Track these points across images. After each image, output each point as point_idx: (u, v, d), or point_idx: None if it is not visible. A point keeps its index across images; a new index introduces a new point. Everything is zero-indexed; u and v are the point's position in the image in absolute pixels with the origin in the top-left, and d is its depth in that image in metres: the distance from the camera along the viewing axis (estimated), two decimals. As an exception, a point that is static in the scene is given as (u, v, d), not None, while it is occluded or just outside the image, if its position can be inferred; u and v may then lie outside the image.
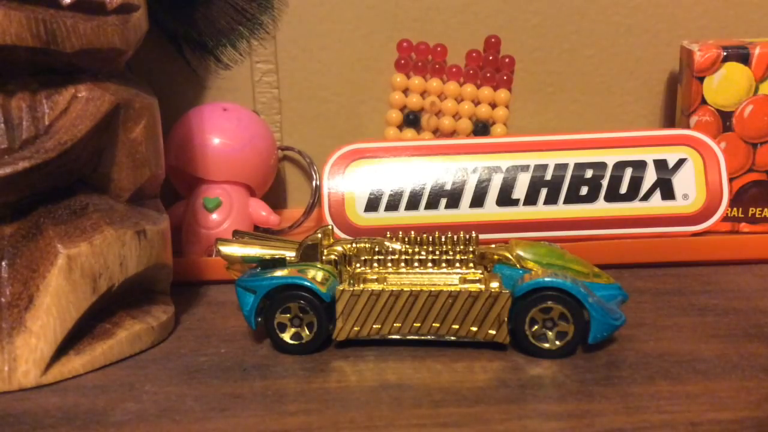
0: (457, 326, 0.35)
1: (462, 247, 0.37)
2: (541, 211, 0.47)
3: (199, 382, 0.34)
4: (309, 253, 0.38)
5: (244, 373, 0.34)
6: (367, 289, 0.36)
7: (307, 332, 0.36)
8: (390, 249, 0.38)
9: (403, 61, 0.55)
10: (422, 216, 0.48)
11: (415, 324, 0.36)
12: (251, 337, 0.38)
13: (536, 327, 0.35)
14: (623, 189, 0.47)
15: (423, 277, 0.36)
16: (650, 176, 0.47)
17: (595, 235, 0.47)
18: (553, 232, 0.47)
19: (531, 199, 0.47)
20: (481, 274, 0.36)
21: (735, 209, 0.51)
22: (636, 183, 0.47)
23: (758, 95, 0.49)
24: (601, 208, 0.47)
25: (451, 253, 0.37)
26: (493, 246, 0.39)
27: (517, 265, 0.38)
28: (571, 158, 0.48)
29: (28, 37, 0.32)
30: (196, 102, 0.57)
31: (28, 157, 0.32)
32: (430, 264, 0.36)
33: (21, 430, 0.30)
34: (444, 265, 0.36)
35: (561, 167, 0.48)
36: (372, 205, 0.48)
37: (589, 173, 0.48)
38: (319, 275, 0.36)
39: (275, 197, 0.59)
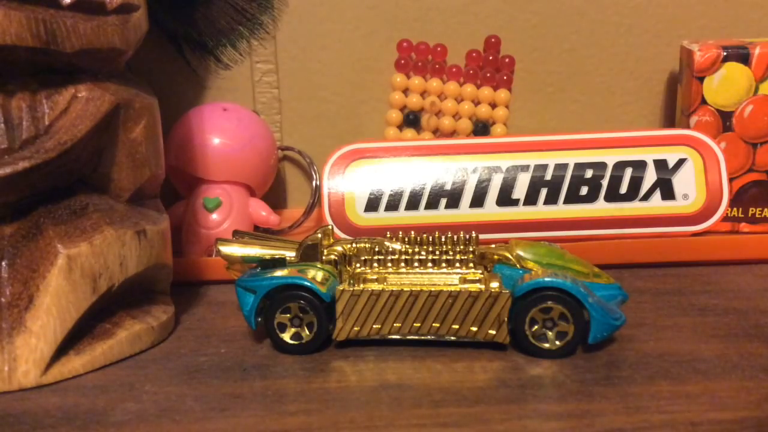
0: (457, 326, 0.35)
1: (462, 247, 0.37)
2: (541, 211, 0.47)
3: (199, 382, 0.34)
4: (309, 253, 0.38)
5: (244, 373, 0.34)
6: (367, 289, 0.36)
7: (307, 332, 0.36)
8: (390, 249, 0.38)
9: (403, 61, 0.55)
10: (422, 216, 0.48)
11: (415, 324, 0.36)
12: (251, 337, 0.38)
13: (536, 327, 0.35)
14: (623, 189, 0.47)
15: (423, 277, 0.36)
16: (650, 176, 0.47)
17: (595, 235, 0.47)
18: (553, 232, 0.47)
19: (531, 199, 0.47)
20: (481, 274, 0.36)
21: (735, 209, 0.51)
22: (636, 183, 0.47)
23: (758, 95, 0.49)
24: (601, 208, 0.47)
25: (451, 253, 0.37)
26: (493, 246, 0.39)
27: (517, 265, 0.38)
28: (571, 158, 0.48)
29: (28, 37, 0.32)
30: (196, 102, 0.57)
31: (28, 157, 0.32)
32: (430, 264, 0.36)
33: (21, 430, 0.30)
34: (444, 265, 0.36)
35: (561, 167, 0.48)
36: (372, 205, 0.48)
37: (589, 173, 0.48)
38: (319, 275, 0.36)
39: (275, 197, 0.59)
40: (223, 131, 0.51)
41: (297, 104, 0.59)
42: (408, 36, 0.56)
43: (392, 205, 0.48)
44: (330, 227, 0.40)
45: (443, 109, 0.55)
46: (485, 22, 0.57)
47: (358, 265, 0.37)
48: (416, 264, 0.37)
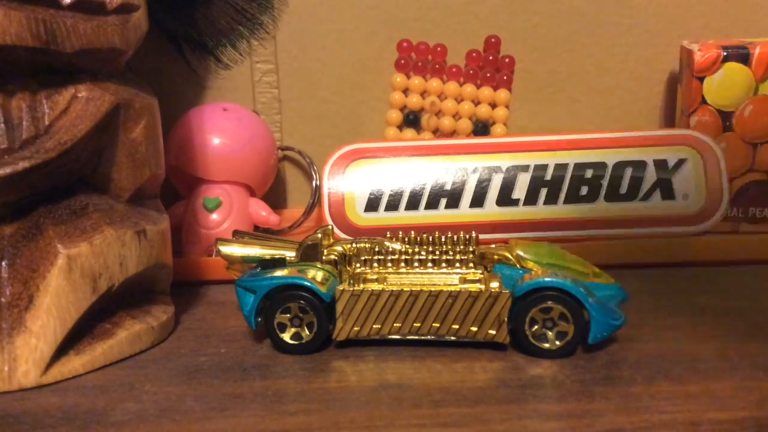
0: (457, 326, 0.35)
1: (462, 247, 0.37)
2: (541, 211, 0.47)
3: (199, 382, 0.34)
4: (309, 253, 0.38)
5: (244, 373, 0.34)
6: (367, 289, 0.36)
7: (307, 332, 0.36)
8: (390, 249, 0.38)
9: (403, 61, 0.55)
10: (422, 216, 0.48)
11: (415, 324, 0.36)
12: (251, 337, 0.38)
13: (536, 327, 0.35)
14: (623, 189, 0.47)
15: (423, 277, 0.36)
16: (650, 176, 0.47)
17: (595, 235, 0.47)
18: (553, 232, 0.47)
19: (531, 199, 0.47)
20: (481, 274, 0.36)
21: (735, 209, 0.51)
22: (636, 183, 0.47)
23: (758, 95, 0.49)
24: (601, 208, 0.47)
25: (451, 253, 0.37)
26: (493, 246, 0.39)
27: (517, 265, 0.38)
28: (571, 158, 0.48)
29: (28, 37, 0.32)
30: (196, 102, 0.57)
31: (28, 157, 0.32)
32: (430, 264, 0.36)
33: (21, 430, 0.30)
34: (444, 265, 0.36)
35: (561, 167, 0.48)
36: (372, 205, 0.48)
37: (589, 173, 0.48)
38: (319, 275, 0.36)
39: (275, 197, 0.59)
40: (223, 131, 0.51)
41: (297, 104, 0.59)
42: (408, 36, 0.56)
43: (392, 205, 0.48)
44: (330, 227, 0.40)
45: (443, 109, 0.55)
46: (485, 22, 0.57)
47: (358, 265, 0.37)
48: (416, 264, 0.37)
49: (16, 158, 0.32)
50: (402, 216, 0.48)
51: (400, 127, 0.56)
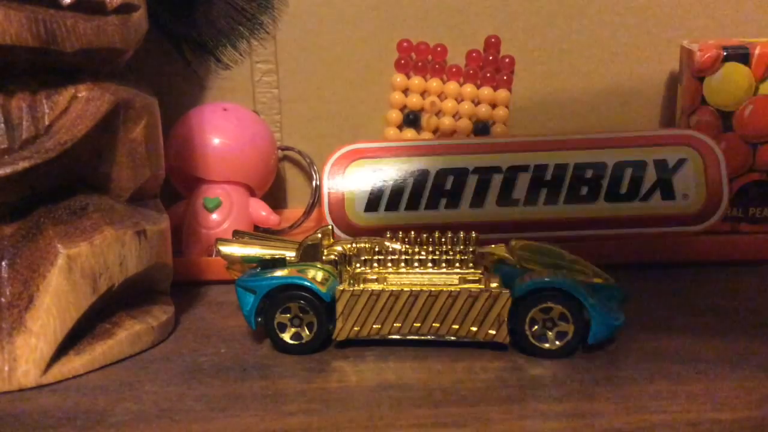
0: (457, 326, 0.35)
1: (462, 247, 0.37)
2: (541, 211, 0.47)
3: (199, 382, 0.34)
4: (309, 253, 0.38)
5: (244, 373, 0.34)
6: (367, 289, 0.36)
7: (307, 332, 0.36)
8: (390, 249, 0.38)
9: (403, 61, 0.55)
10: (422, 216, 0.48)
11: (415, 324, 0.36)
12: (251, 337, 0.38)
13: (536, 327, 0.35)
14: (623, 189, 0.47)
15: (423, 277, 0.36)
16: (650, 176, 0.47)
17: (595, 235, 0.47)
18: (553, 232, 0.47)
19: (531, 199, 0.47)
20: (481, 274, 0.36)
21: (735, 209, 0.51)
22: (636, 183, 0.47)
23: (758, 95, 0.49)
24: (601, 208, 0.47)
25: (451, 253, 0.37)
26: (493, 246, 0.39)
27: (517, 265, 0.38)
28: (571, 158, 0.48)
29: (28, 37, 0.32)
30: (196, 102, 0.57)
31: (28, 157, 0.32)
32: (430, 264, 0.36)
33: (21, 430, 0.30)
34: (444, 265, 0.36)
35: (561, 167, 0.48)
36: (372, 205, 0.48)
37: (589, 173, 0.48)
38: (319, 275, 0.36)
39: (275, 197, 0.59)
40: (223, 131, 0.51)
41: (297, 104, 0.59)
42: (408, 36, 0.56)
43: (392, 205, 0.48)
44: (330, 227, 0.40)
45: (443, 109, 0.55)
46: (485, 22, 0.57)
47: (358, 265, 0.37)
48: (416, 264, 0.37)
49: (16, 158, 0.32)
50: (402, 216, 0.48)
51: (400, 127, 0.56)
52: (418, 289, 0.35)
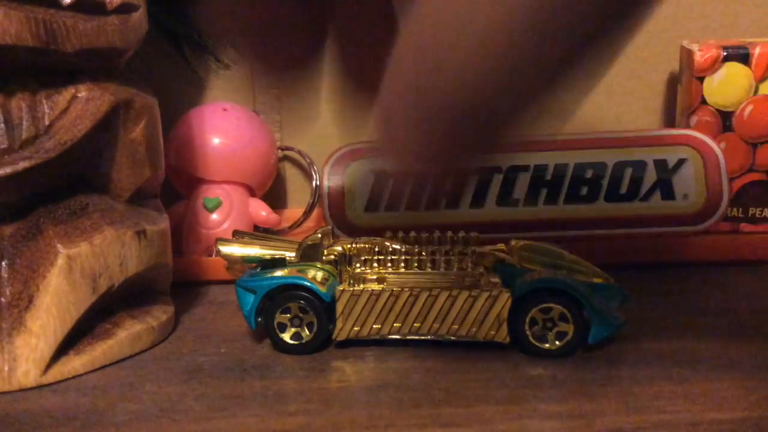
0: (457, 326, 0.35)
1: (462, 247, 0.37)
2: (541, 211, 0.47)
3: (199, 382, 0.34)
4: (309, 253, 0.38)
5: (244, 373, 0.34)
6: (367, 289, 0.36)
7: (307, 332, 0.36)
8: (390, 249, 0.38)
9: (403, 61, 0.55)
10: (422, 216, 0.48)
11: (415, 324, 0.36)
12: (251, 337, 0.38)
13: (536, 327, 0.35)
14: (623, 189, 0.47)
15: (423, 277, 0.36)
16: (650, 176, 0.47)
17: (595, 235, 0.47)
18: (553, 232, 0.47)
19: (531, 199, 0.47)
20: (481, 274, 0.36)
21: (735, 209, 0.51)
22: (636, 183, 0.47)
23: (758, 95, 0.49)
24: (601, 208, 0.47)
25: (451, 253, 0.37)
26: (493, 246, 0.39)
27: (517, 265, 0.38)
28: (571, 158, 0.48)
29: (28, 37, 0.32)
30: (196, 102, 0.57)
31: (28, 157, 0.32)
32: (430, 264, 0.36)
33: (21, 430, 0.30)
34: (444, 265, 0.36)
35: (561, 167, 0.48)
36: (372, 205, 0.48)
37: (589, 173, 0.48)
38: (319, 275, 0.36)
39: (275, 197, 0.59)
40: (223, 131, 0.51)
41: (297, 104, 0.59)
42: (408, 36, 0.55)
43: (392, 204, 0.48)
44: (330, 227, 0.40)
45: (443, 109, 0.55)
46: (485, 22, 0.57)
47: (358, 265, 0.37)
48: (416, 264, 0.37)
49: (16, 158, 0.32)
50: (402, 216, 0.48)
51: (400, 127, 0.56)
52: (418, 289, 0.35)
